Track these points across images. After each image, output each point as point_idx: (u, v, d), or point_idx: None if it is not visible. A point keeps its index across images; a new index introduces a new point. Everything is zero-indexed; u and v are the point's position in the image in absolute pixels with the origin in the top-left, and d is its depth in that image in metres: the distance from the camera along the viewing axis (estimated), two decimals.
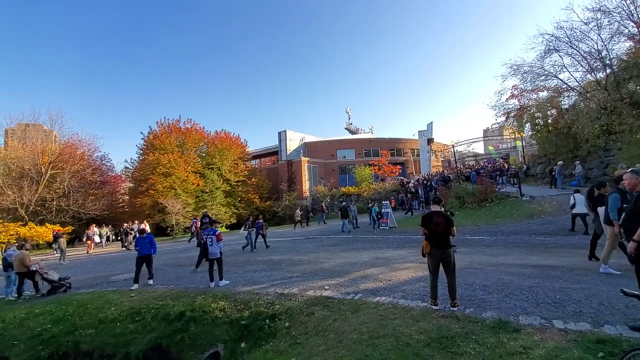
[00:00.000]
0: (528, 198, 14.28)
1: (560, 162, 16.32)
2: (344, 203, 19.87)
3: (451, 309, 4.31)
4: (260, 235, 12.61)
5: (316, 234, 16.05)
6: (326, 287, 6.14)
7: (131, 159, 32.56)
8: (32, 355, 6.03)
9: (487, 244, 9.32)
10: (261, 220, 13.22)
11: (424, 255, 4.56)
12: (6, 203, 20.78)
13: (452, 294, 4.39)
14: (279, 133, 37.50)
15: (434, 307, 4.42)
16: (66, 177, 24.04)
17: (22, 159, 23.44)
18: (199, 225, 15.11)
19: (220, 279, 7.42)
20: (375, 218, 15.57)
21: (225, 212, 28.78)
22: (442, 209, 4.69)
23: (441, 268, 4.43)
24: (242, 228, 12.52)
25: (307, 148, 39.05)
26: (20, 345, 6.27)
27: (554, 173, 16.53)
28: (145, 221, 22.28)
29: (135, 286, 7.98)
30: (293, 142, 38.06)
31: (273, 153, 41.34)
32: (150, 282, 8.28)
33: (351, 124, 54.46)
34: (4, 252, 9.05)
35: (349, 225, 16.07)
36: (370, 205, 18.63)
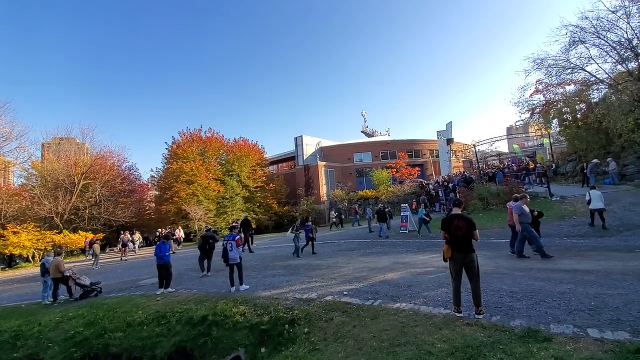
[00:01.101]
0: (558, 198, 13.55)
1: (594, 160, 15.35)
2: (380, 205, 18.30)
3: (476, 316, 4.13)
4: (309, 239, 11.76)
5: (334, 238, 15.97)
6: (345, 293, 6.08)
7: (156, 168, 34.10)
8: (65, 357, 6.35)
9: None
10: (310, 223, 12.25)
11: (445, 260, 4.43)
12: (43, 212, 22.22)
13: (477, 301, 4.21)
14: (295, 138, 37.83)
15: (458, 315, 4.26)
16: (97, 186, 25.46)
17: (57, 171, 25.06)
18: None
19: (241, 284, 7.53)
20: (423, 220, 13.58)
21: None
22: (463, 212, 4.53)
23: (465, 274, 4.28)
24: (290, 230, 11.77)
25: (324, 152, 39.12)
26: (55, 348, 6.62)
27: (585, 171, 15.60)
28: (179, 227, 23.21)
29: (161, 291, 8.24)
30: (309, 147, 38.27)
31: (290, 158, 41.74)
32: (171, 289, 8.44)
33: (367, 126, 54.10)
34: (42, 258, 9.63)
35: (386, 230, 14.34)
36: (387, 209, 18.27)
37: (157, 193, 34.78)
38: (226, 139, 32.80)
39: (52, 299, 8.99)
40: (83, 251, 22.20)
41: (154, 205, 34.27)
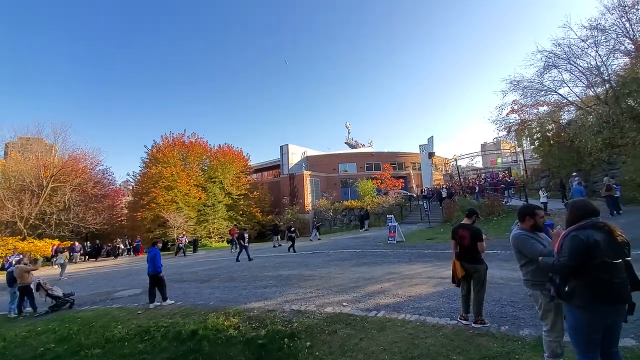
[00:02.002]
0: None
1: (574, 174, 16.05)
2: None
3: (473, 325, 4.17)
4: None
5: (323, 248, 15.77)
6: (344, 304, 5.94)
7: (133, 172, 32.51)
8: None
9: (503, 258, 9.12)
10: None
11: (454, 282, 4.43)
12: (5, 217, 20.46)
13: (477, 310, 4.24)
14: (281, 147, 37.66)
15: (464, 322, 4.27)
16: (67, 190, 23.87)
17: (24, 172, 23.29)
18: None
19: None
20: None
21: (227, 226, 28.47)
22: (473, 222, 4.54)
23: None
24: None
25: (309, 162, 39.14)
26: None
27: (566, 185, 16.16)
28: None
29: (168, 302, 7.73)
30: (295, 155, 38.18)
31: (275, 167, 41.39)
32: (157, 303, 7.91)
33: (351, 138, 55.06)
34: (8, 267, 8.78)
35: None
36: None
37: (131, 199, 33.13)
38: (210, 144, 32.16)
39: (17, 312, 8.16)
40: (48, 260, 20.53)
41: (126, 212, 32.55)
